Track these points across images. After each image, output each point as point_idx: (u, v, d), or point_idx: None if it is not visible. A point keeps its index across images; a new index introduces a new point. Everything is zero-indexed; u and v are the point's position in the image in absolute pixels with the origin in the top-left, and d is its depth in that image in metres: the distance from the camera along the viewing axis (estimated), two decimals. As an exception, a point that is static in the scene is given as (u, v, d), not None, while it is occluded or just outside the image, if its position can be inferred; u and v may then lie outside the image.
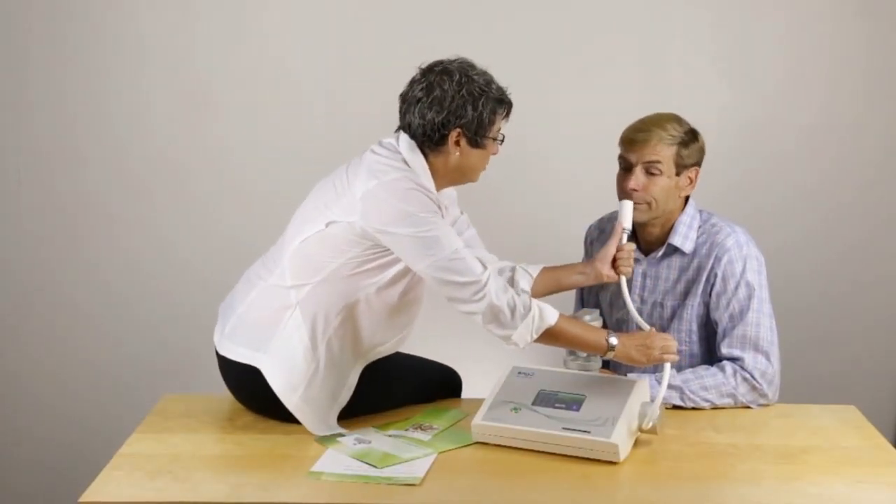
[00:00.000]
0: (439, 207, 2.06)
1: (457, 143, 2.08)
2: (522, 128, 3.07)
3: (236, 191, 3.11)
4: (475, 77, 2.07)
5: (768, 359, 2.27)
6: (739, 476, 1.91)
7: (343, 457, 1.99)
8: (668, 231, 2.37)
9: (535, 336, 2.05)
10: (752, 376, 2.25)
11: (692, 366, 2.34)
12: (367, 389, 2.18)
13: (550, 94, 3.06)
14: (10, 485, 3.24)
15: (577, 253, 2.64)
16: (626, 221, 2.26)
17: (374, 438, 2.09)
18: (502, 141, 2.15)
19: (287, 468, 1.95)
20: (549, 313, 2.06)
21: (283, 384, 2.09)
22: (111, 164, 3.10)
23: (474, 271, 2.01)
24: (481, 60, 2.85)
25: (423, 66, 2.11)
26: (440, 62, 2.10)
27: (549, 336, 2.07)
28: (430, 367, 2.39)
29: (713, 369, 2.27)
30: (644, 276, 2.41)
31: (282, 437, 2.09)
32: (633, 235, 2.39)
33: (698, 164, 2.34)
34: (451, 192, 2.29)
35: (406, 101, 2.10)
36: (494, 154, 2.16)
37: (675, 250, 2.36)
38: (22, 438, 3.23)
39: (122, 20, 3.03)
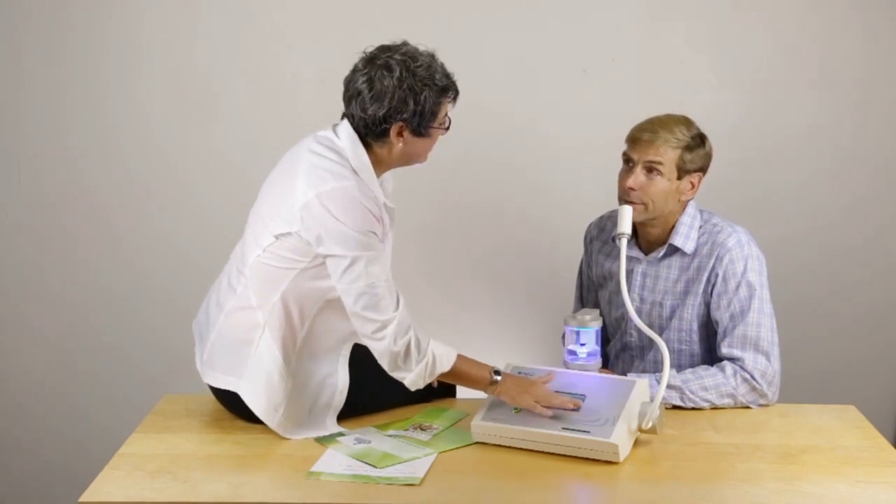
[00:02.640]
0: (379, 220, 2.04)
1: (399, 134, 2.07)
2: (523, 127, 3.10)
3: (236, 191, 3.10)
4: (417, 70, 2.03)
5: (768, 359, 2.27)
6: (739, 476, 1.91)
7: (343, 457, 1.99)
8: (669, 231, 2.36)
9: (429, 380, 2.08)
10: (752, 377, 2.25)
11: (692, 365, 2.35)
12: (362, 388, 2.18)
13: (551, 93, 3.07)
14: (11, 485, 3.24)
15: (577, 251, 2.64)
16: (624, 227, 2.23)
17: (374, 438, 2.09)
18: (448, 127, 2.13)
19: (287, 468, 1.95)
20: (441, 362, 2.07)
21: (265, 406, 2.08)
22: (111, 164, 3.09)
23: (383, 311, 2.00)
24: (482, 61, 2.86)
25: (366, 55, 2.08)
26: (383, 50, 2.06)
27: (442, 376, 2.10)
28: None
29: (713, 369, 2.27)
30: (644, 275, 2.41)
31: (282, 437, 2.09)
32: (634, 235, 2.39)
33: (702, 170, 2.33)
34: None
35: (349, 90, 2.09)
36: (442, 135, 2.15)
37: (675, 250, 2.36)
38: (22, 438, 3.23)
39: (121, 18, 3.03)
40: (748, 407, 2.26)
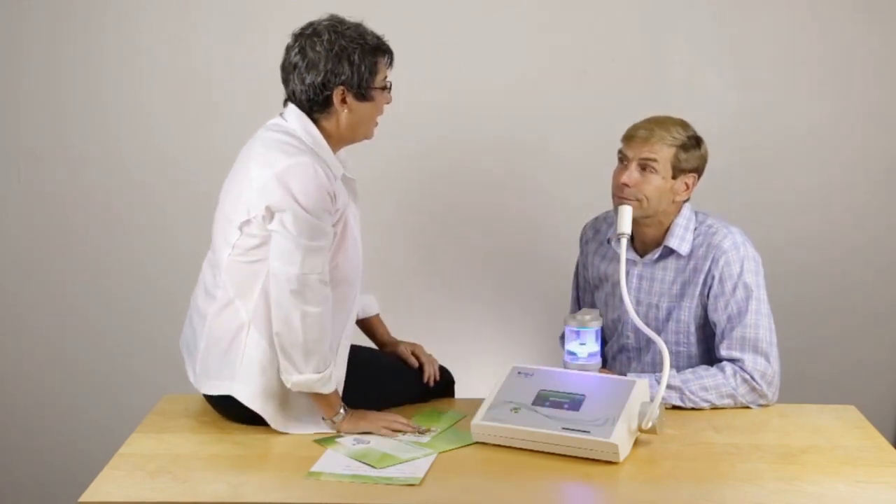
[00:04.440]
0: (333, 197, 2.04)
1: (343, 100, 2.08)
2: (522, 128, 3.09)
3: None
4: (345, 31, 2.07)
5: (768, 360, 2.26)
6: (739, 476, 1.91)
7: (342, 457, 1.99)
8: (664, 233, 2.36)
9: (304, 391, 2.06)
10: (752, 377, 2.25)
11: (690, 367, 2.34)
12: (360, 388, 2.18)
13: (550, 93, 3.06)
14: (10, 485, 3.24)
15: (572, 251, 2.64)
16: (624, 227, 2.23)
17: (374, 438, 2.09)
18: (390, 88, 2.14)
19: (287, 468, 1.95)
20: (330, 386, 2.07)
21: (262, 405, 2.09)
22: (111, 164, 3.09)
23: (309, 302, 2.00)
24: (482, 60, 2.84)
25: (295, 32, 2.12)
26: (310, 24, 2.11)
27: (311, 394, 2.09)
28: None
29: (713, 370, 2.27)
30: (640, 277, 2.40)
31: (282, 437, 2.10)
32: (629, 237, 2.38)
33: (697, 171, 2.33)
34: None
35: (285, 70, 2.12)
36: (388, 103, 2.16)
37: (671, 252, 2.36)
38: (21, 438, 3.22)
39: (121, 18, 3.03)
40: (748, 407, 2.26)
